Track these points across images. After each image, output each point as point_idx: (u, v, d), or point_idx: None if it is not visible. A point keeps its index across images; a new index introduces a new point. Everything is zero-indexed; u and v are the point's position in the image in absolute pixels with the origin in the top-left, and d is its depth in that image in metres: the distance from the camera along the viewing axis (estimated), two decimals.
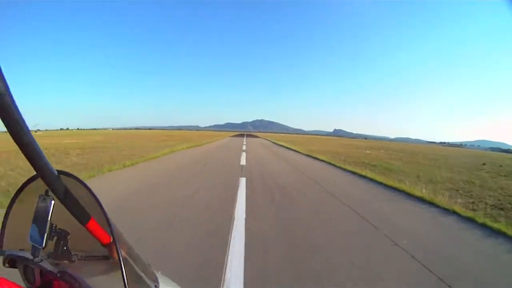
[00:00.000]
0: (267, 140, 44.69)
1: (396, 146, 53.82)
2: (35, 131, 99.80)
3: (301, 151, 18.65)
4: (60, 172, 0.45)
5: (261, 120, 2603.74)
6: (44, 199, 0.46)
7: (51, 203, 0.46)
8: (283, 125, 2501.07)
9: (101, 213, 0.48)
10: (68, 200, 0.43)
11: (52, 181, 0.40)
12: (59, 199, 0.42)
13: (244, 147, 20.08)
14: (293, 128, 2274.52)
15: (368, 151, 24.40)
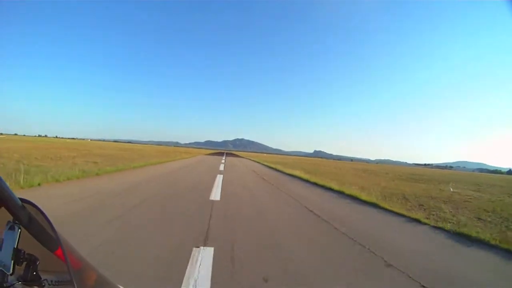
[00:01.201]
0: (253, 161, 32.46)
1: (427, 171, 44.24)
2: None
3: (376, 203, 6.62)
4: (23, 201, 0.46)
5: (242, 139, 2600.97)
6: (11, 226, 0.46)
7: (18, 229, 0.46)
8: (263, 145, 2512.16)
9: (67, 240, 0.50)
10: (33, 228, 0.44)
11: (16, 211, 0.42)
12: (25, 227, 0.44)
13: (217, 188, 7.70)
14: (272, 148, 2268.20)
15: (452, 188, 13.25)
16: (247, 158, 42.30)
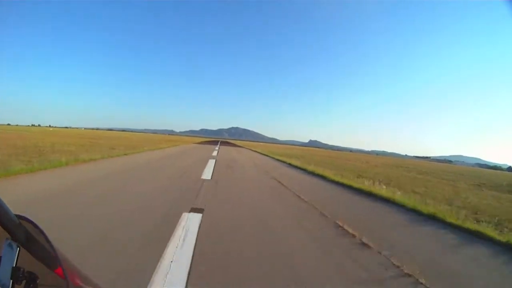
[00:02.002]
0: (257, 152, 25.18)
1: (452, 168, 37.37)
2: None
3: None
4: (20, 217, 0.44)
5: (237, 128, 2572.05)
6: (10, 243, 0.45)
7: (16, 247, 0.44)
8: (258, 133, 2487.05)
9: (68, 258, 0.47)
10: (31, 246, 0.42)
11: (13, 228, 0.40)
12: (22, 245, 0.42)
13: None
14: (268, 137, 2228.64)
15: None
16: (247, 149, 34.98)
